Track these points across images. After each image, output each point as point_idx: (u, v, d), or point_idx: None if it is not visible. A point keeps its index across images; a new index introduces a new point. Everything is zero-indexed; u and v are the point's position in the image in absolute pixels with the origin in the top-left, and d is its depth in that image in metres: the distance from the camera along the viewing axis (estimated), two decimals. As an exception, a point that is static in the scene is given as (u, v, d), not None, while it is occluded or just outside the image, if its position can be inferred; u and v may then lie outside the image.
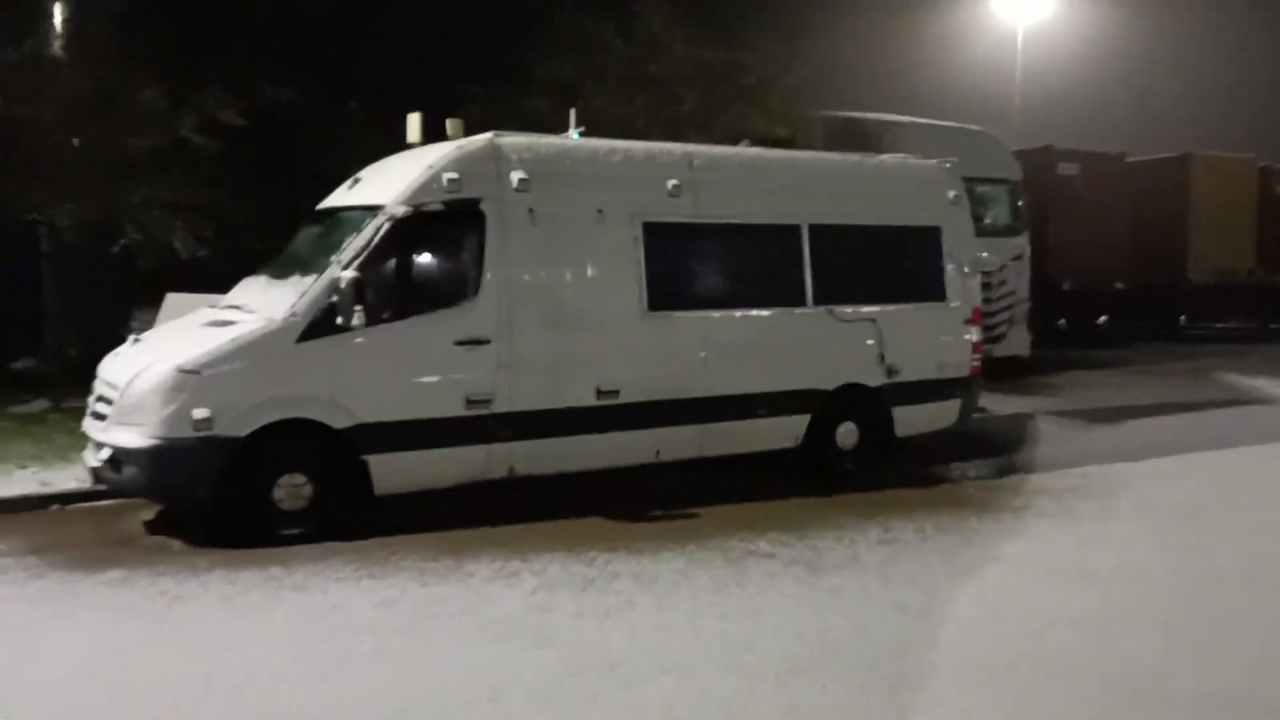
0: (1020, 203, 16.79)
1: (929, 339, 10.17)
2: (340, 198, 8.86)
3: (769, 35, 15.79)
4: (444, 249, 8.20)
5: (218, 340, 7.44)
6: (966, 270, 10.38)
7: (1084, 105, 41.17)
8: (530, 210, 8.26)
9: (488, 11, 18.94)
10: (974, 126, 16.96)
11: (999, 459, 10.86)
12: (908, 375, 9.93)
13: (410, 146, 9.19)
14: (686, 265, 9.09)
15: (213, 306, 8.46)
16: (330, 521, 7.55)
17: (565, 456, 8.48)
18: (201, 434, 7.20)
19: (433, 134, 8.93)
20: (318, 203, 9.21)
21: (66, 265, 12.84)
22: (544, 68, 15.91)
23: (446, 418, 7.95)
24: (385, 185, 8.25)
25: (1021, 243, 16.74)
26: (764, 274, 9.43)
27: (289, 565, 6.81)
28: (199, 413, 7.18)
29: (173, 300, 11.25)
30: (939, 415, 10.35)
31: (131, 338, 8.21)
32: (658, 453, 8.89)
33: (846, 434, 9.79)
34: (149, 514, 8.22)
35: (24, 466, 9.35)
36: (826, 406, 9.60)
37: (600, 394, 8.49)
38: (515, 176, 8.17)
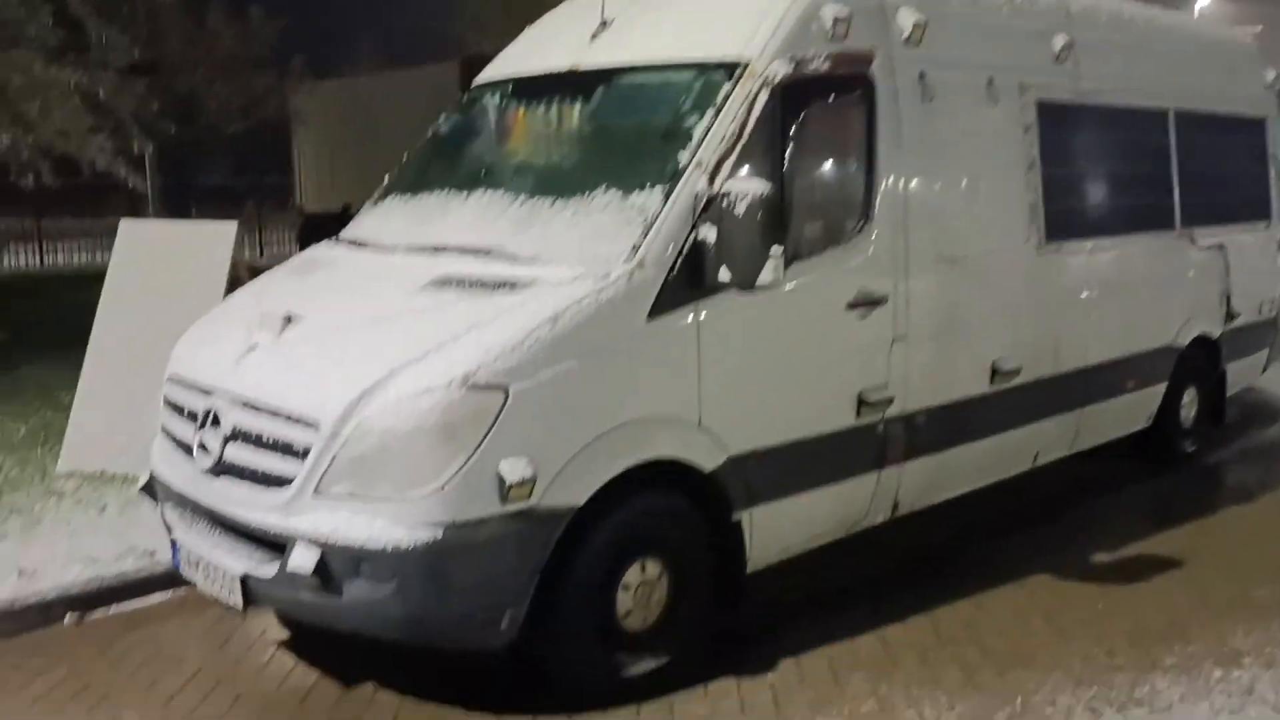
0: None
1: (1257, 272, 7.58)
2: (599, 52, 4.89)
3: None
4: (823, 142, 4.73)
5: (516, 321, 3.73)
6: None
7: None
8: (921, 77, 4.93)
9: None
10: None
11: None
12: (1243, 320, 7.33)
13: None
14: (1078, 170, 5.99)
15: (425, 250, 4.53)
16: (694, 641, 4.17)
17: (950, 478, 5.34)
18: (516, 508, 3.58)
19: None
20: None
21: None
22: None
23: (836, 432, 4.63)
24: (711, 25, 4.63)
25: None
26: (1138, 184, 6.49)
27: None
28: (513, 468, 3.55)
29: (131, 230, 7.00)
30: (1253, 369, 7.86)
31: (282, 313, 4.17)
32: (1035, 456, 5.91)
33: (1189, 404, 7.10)
34: (263, 625, 4.51)
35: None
36: (1177, 369, 6.86)
37: (996, 375, 5.36)
38: (908, 19, 4.80)
